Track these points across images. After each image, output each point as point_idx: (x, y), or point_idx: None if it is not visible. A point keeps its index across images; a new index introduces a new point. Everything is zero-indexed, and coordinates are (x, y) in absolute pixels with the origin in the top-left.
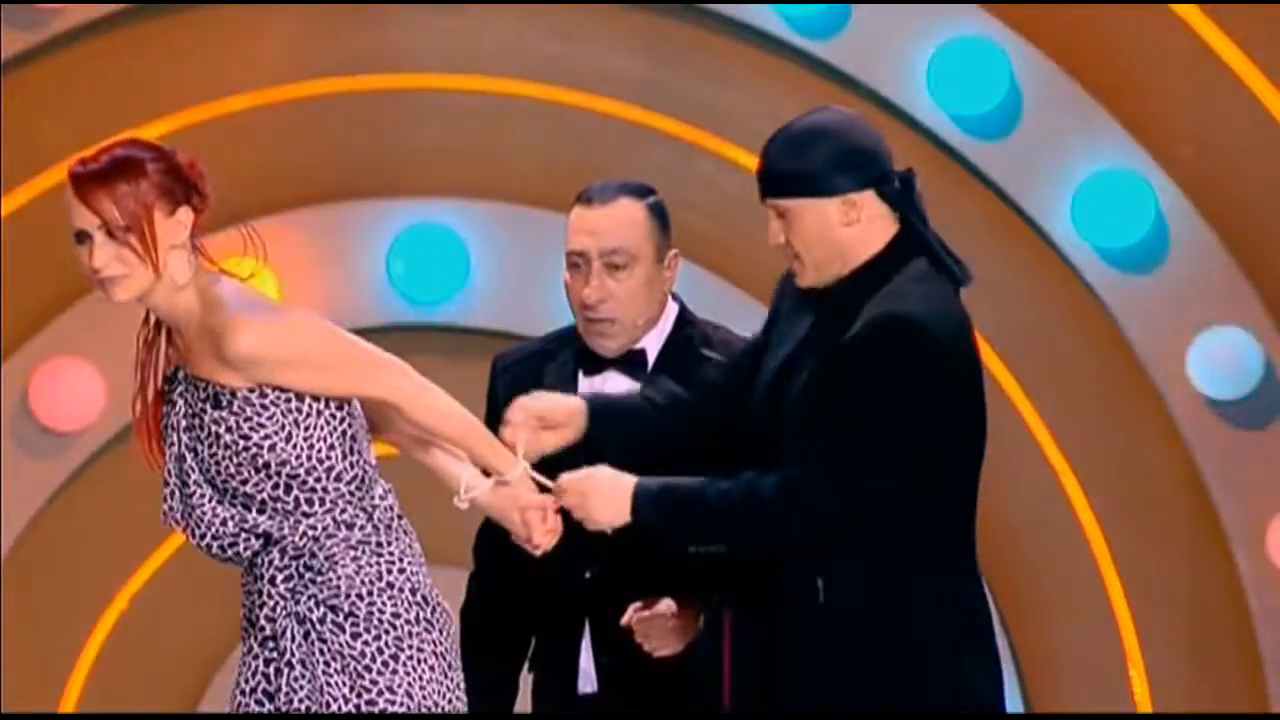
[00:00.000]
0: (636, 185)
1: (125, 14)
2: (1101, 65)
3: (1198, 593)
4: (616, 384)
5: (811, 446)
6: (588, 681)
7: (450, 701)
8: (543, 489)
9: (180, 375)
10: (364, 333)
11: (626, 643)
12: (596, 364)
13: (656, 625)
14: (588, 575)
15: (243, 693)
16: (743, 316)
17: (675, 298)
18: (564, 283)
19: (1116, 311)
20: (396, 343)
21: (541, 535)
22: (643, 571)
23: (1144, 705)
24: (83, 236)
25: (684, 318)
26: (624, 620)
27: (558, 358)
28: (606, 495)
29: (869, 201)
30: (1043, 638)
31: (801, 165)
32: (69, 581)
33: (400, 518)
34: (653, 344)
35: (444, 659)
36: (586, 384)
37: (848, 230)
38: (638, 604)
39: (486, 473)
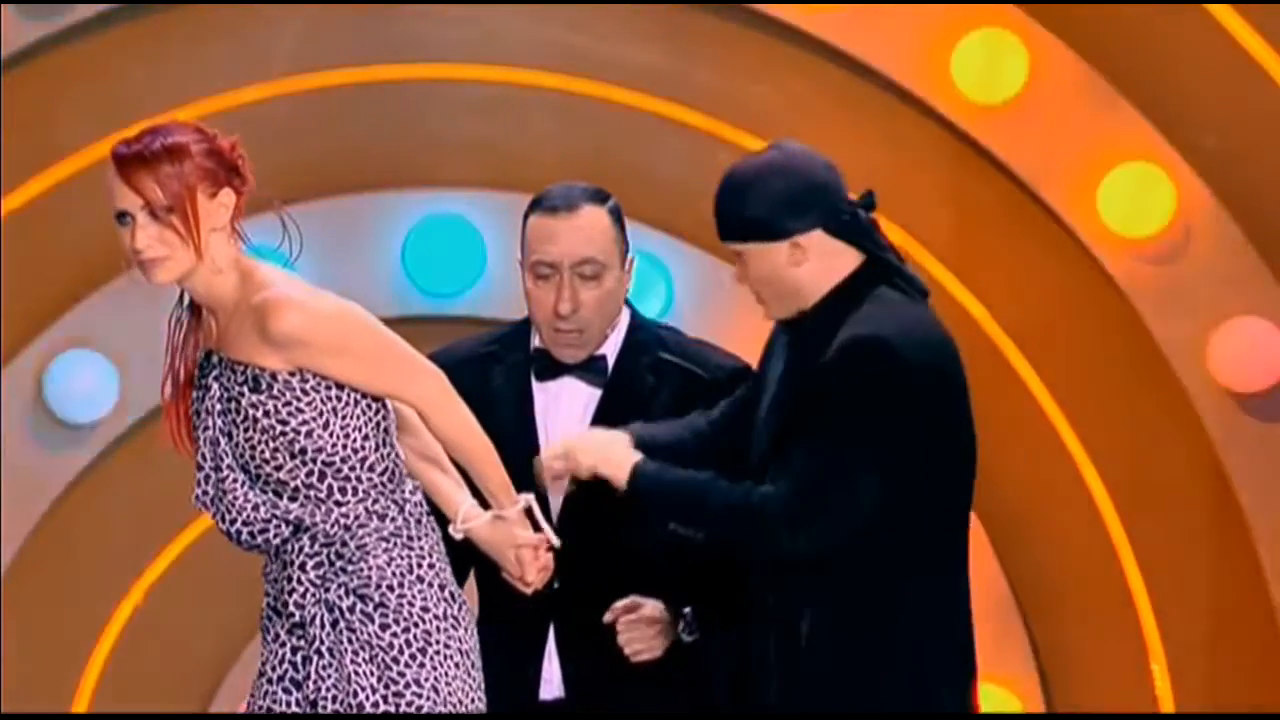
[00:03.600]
0: (594, 190)
1: (140, 4)
2: (1123, 54)
3: (1220, 588)
4: (574, 390)
5: (791, 470)
6: (550, 689)
7: (473, 701)
8: (537, 528)
9: (215, 359)
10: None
11: (595, 650)
12: (553, 370)
13: (640, 628)
14: (555, 585)
15: (269, 680)
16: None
17: (626, 302)
18: (526, 292)
19: (1138, 302)
20: (411, 335)
21: (534, 574)
22: (612, 583)
23: (1166, 702)
24: (124, 217)
25: (635, 320)
26: (606, 618)
27: (505, 360)
28: (598, 439)
29: (818, 240)
30: (1063, 634)
31: (745, 211)
32: (83, 575)
33: (429, 514)
34: (610, 349)
35: (468, 657)
36: (541, 389)
37: (798, 270)
38: (620, 604)
39: (484, 502)
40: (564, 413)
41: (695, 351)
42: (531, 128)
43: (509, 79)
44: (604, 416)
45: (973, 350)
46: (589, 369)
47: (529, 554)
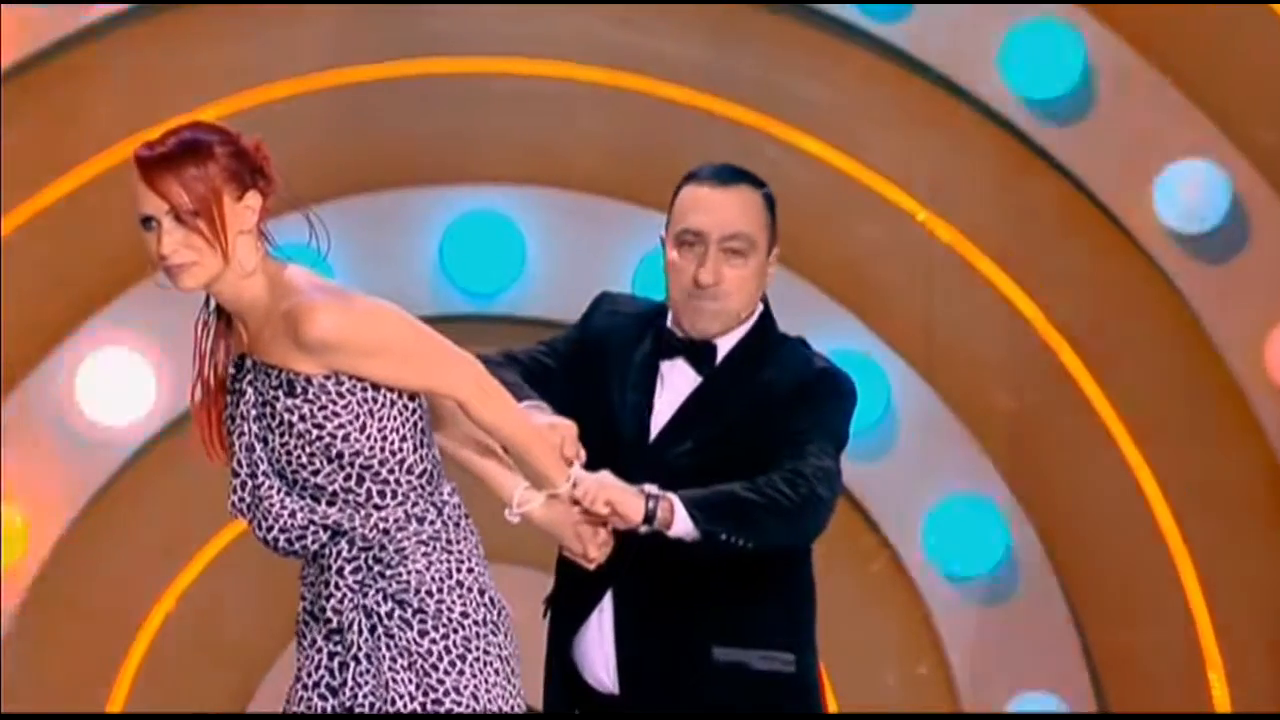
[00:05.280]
0: (751, 174)
1: (165, 2)
2: (1179, 48)
3: (1278, 591)
4: (682, 372)
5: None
6: (605, 682)
7: (513, 709)
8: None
9: (249, 363)
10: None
11: (652, 639)
12: (670, 350)
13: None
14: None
15: (305, 687)
16: (808, 306)
17: (763, 299)
18: (667, 264)
19: (1194, 301)
20: (449, 335)
21: (596, 549)
22: (671, 571)
23: (1223, 707)
24: (149, 222)
25: (767, 320)
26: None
27: (651, 330)
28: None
29: None
30: (1118, 639)
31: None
32: (116, 579)
33: (466, 516)
34: (728, 342)
35: (508, 663)
36: (662, 367)
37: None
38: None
39: (537, 485)
40: (669, 397)
41: (803, 362)
42: (574, 123)
43: (552, 73)
44: (688, 410)
45: (1025, 351)
46: (697, 355)
47: (588, 530)
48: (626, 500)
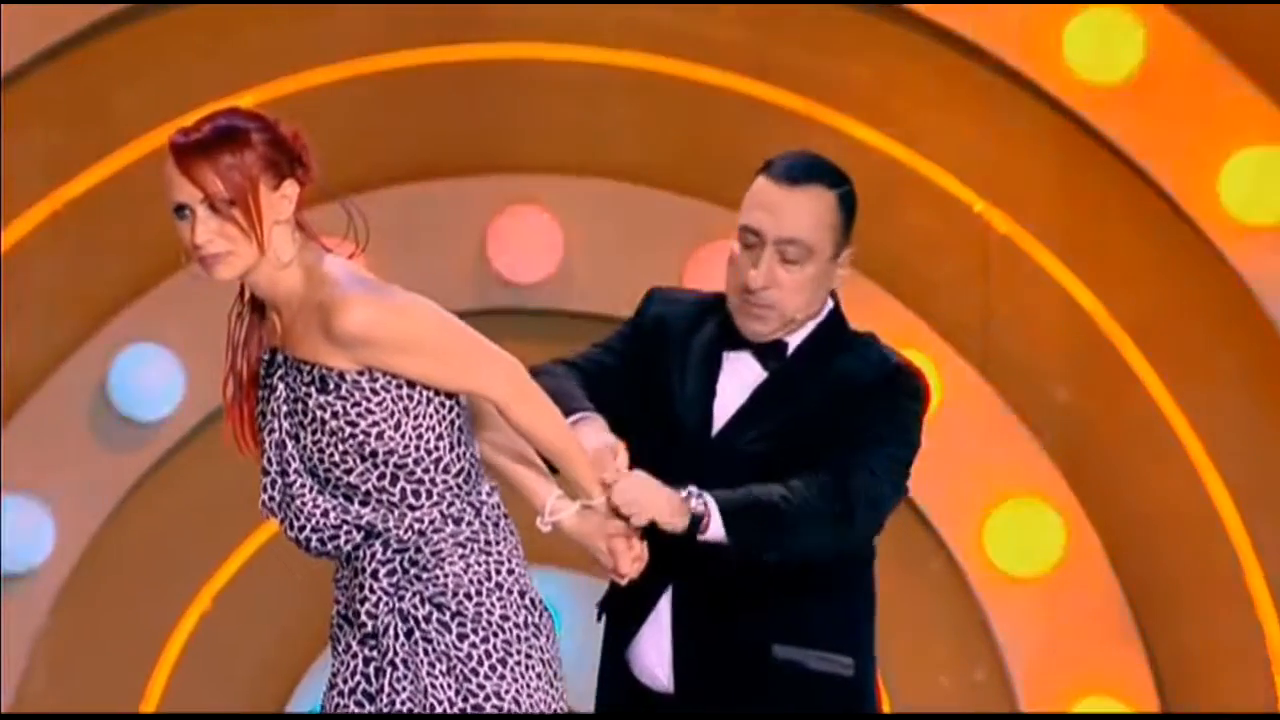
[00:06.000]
0: (832, 168)
1: None
2: (1246, 33)
3: None
4: (749, 366)
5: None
6: (660, 680)
7: (555, 715)
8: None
9: (280, 358)
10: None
11: (711, 636)
12: (735, 342)
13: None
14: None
15: (340, 694)
16: (859, 300)
17: (832, 294)
18: (730, 255)
19: (1261, 294)
20: (491, 328)
21: (628, 564)
22: (729, 578)
23: None
24: (183, 211)
25: (836, 317)
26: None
27: (712, 320)
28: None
29: None
30: (1182, 639)
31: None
32: (149, 578)
33: (506, 516)
34: (798, 338)
35: (549, 667)
36: (726, 358)
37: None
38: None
39: (572, 495)
40: (734, 387)
41: (878, 358)
42: (617, 110)
43: (595, 59)
44: (759, 400)
45: (1085, 345)
46: (766, 351)
47: (621, 544)
48: (667, 511)
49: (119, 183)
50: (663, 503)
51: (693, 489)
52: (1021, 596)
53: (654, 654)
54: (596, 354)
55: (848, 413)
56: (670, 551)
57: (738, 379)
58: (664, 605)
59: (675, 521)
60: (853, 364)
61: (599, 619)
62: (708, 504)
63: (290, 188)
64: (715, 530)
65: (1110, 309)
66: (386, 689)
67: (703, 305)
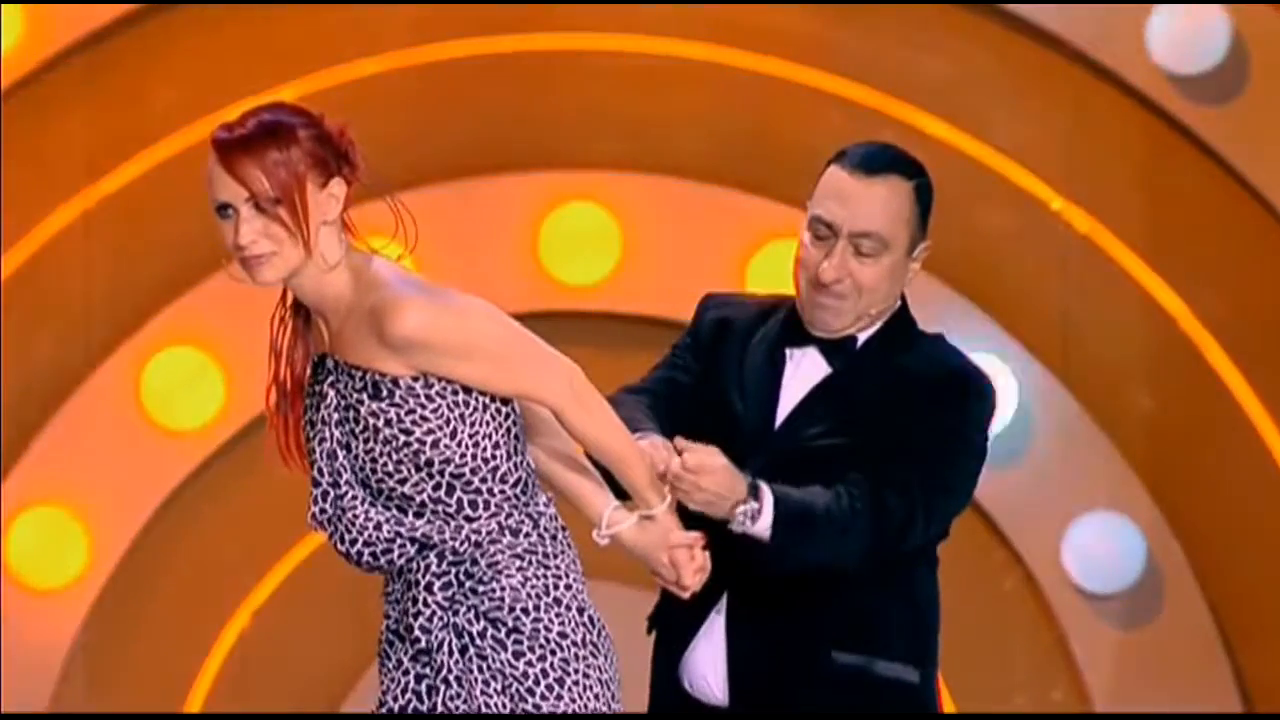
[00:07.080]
0: (909, 159)
1: None
2: None
3: None
4: (814, 362)
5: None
6: (714, 691)
7: None
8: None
9: (330, 363)
10: None
11: (769, 643)
12: (801, 338)
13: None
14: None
15: (389, 712)
16: (932, 301)
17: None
18: (800, 246)
19: None
20: (545, 330)
21: (690, 576)
22: (780, 590)
23: None
24: (226, 209)
25: (904, 314)
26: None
27: (773, 318)
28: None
29: None
30: (1270, 657)
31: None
32: (186, 594)
33: (564, 529)
34: (865, 334)
35: (608, 688)
36: (790, 355)
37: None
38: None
39: (627, 505)
40: (798, 383)
41: (944, 359)
42: (676, 103)
43: (653, 50)
44: (823, 396)
45: (1168, 348)
46: (833, 347)
47: (683, 555)
48: (728, 484)
49: (154, 180)
50: (729, 478)
51: (757, 480)
52: (1102, 614)
53: (708, 666)
54: (662, 373)
55: (911, 413)
56: (723, 562)
57: (801, 376)
58: (717, 617)
59: (733, 498)
60: (918, 363)
61: (649, 632)
62: (763, 496)
63: (338, 186)
64: (764, 523)
65: (1195, 310)
66: (439, 708)
67: (762, 307)
